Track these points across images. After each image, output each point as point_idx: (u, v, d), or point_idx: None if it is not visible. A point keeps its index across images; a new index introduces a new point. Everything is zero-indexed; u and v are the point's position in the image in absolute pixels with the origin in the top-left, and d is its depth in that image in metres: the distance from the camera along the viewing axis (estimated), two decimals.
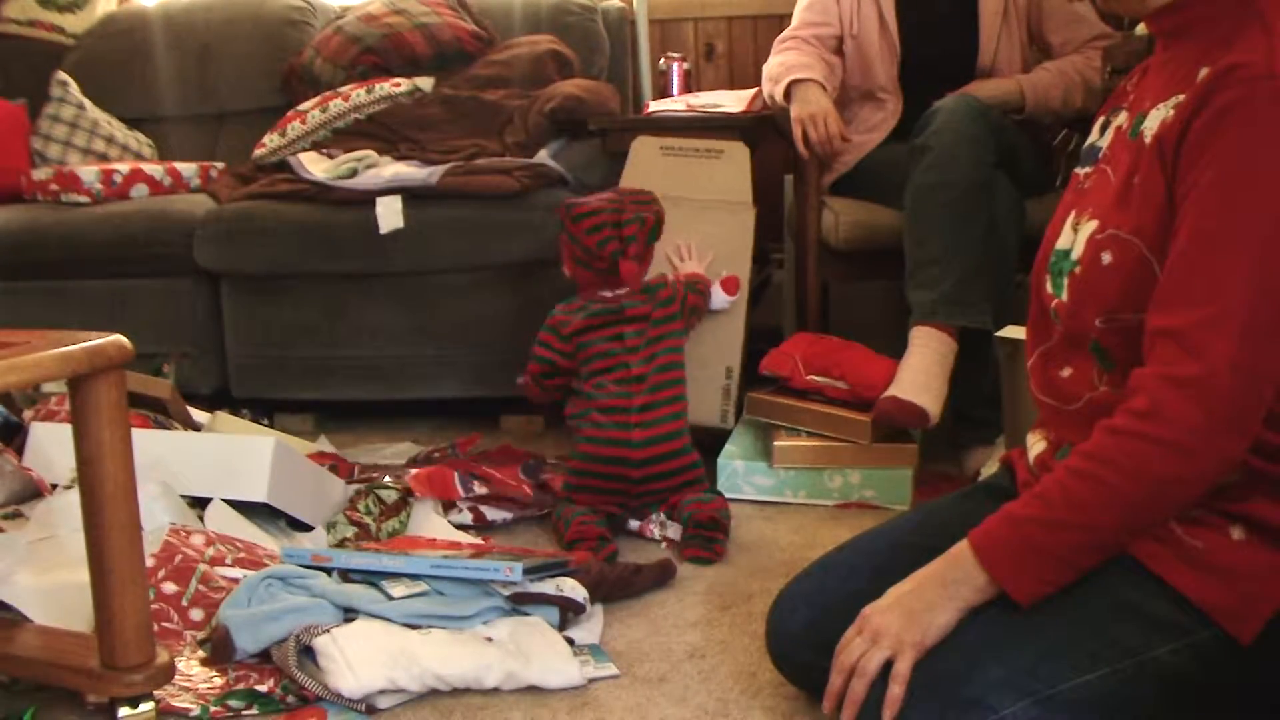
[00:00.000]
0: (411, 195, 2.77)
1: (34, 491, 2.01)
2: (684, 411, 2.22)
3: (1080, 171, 1.37)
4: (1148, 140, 1.21)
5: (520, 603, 1.68)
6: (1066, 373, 1.31)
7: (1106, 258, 1.23)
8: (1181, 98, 1.18)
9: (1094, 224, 1.26)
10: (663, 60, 3.32)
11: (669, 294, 2.29)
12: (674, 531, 2.10)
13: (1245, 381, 1.11)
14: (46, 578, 1.71)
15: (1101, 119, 1.38)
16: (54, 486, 2.01)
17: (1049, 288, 1.33)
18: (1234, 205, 1.11)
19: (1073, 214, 1.33)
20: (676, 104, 3.11)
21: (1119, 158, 1.28)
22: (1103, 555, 1.19)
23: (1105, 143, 1.34)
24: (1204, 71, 1.16)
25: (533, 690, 1.58)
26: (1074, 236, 1.30)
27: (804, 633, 1.42)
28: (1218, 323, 1.11)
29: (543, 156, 2.95)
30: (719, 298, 2.49)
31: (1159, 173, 1.18)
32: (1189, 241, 1.14)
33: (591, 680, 1.60)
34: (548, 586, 1.70)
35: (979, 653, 1.18)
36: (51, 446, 2.07)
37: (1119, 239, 1.22)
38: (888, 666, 1.21)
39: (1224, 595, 1.17)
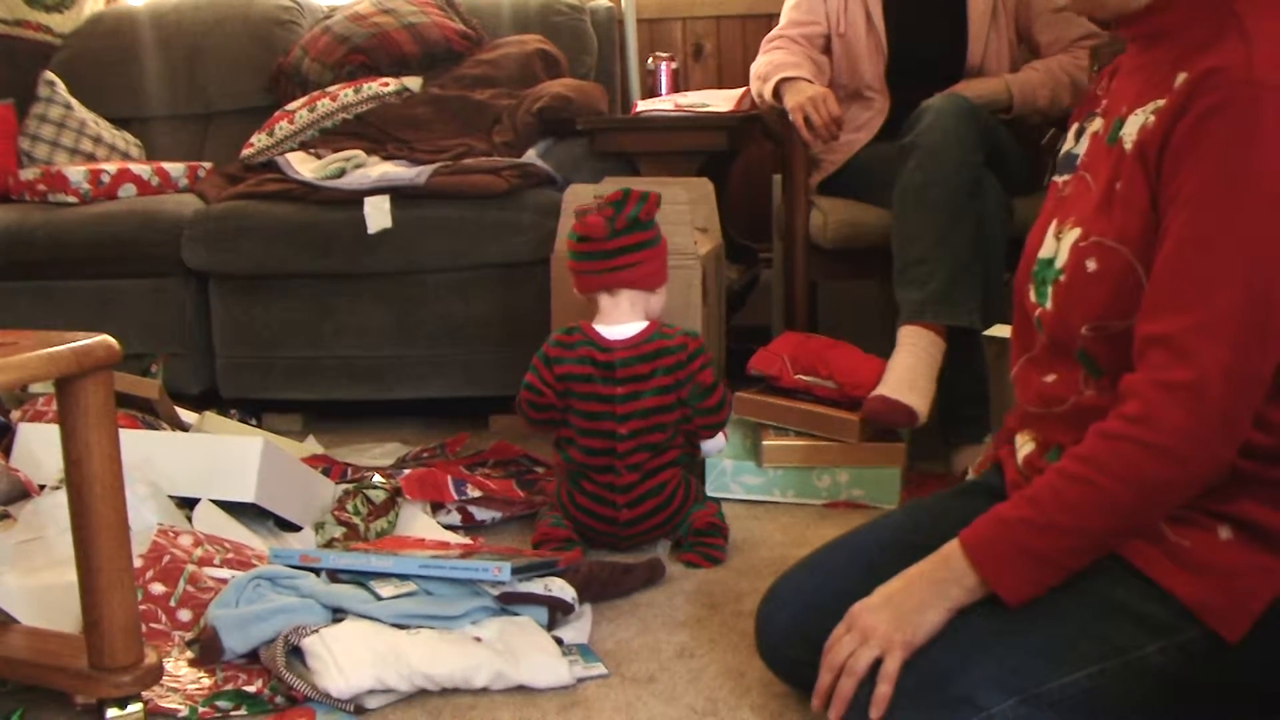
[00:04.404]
0: (399, 195, 2.77)
1: (21, 492, 2.00)
2: (674, 475, 2.05)
3: (1059, 179, 1.37)
4: (1128, 147, 1.21)
5: (509, 602, 1.68)
6: (1050, 379, 1.31)
7: (1091, 265, 1.23)
8: (1161, 103, 1.18)
9: (1077, 232, 1.26)
10: (651, 60, 3.33)
11: (675, 361, 2.01)
12: (664, 547, 2.08)
13: (1236, 386, 1.11)
14: (34, 579, 1.70)
15: (1076, 125, 1.38)
16: (42, 487, 2.00)
17: (1032, 296, 1.33)
18: (1219, 210, 1.12)
19: (1054, 222, 1.33)
20: (664, 103, 3.12)
21: (1098, 164, 1.28)
22: (1092, 557, 1.19)
23: (1082, 149, 1.34)
24: (1182, 77, 1.16)
25: (521, 690, 1.58)
26: (1057, 245, 1.30)
27: (792, 630, 1.42)
28: (1208, 328, 1.11)
29: (531, 156, 2.95)
30: (712, 444, 2.17)
31: (1142, 179, 1.19)
32: (1176, 247, 1.14)
33: (580, 680, 1.60)
34: (536, 586, 1.70)
35: (967, 651, 1.18)
36: (39, 447, 2.07)
37: (1103, 246, 1.22)
38: (876, 665, 1.21)
39: (1212, 594, 1.17)
